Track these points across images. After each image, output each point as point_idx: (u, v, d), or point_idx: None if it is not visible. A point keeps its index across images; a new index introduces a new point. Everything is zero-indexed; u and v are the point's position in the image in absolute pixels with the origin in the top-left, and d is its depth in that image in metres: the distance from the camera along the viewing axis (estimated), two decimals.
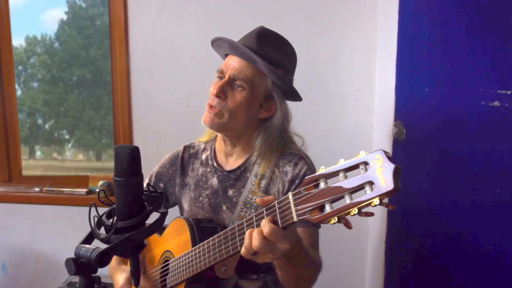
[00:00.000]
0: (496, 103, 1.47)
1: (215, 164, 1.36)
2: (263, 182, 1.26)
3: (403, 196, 1.61)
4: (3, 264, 2.42)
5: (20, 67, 2.47)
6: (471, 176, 1.53)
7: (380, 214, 1.83)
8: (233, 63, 1.25)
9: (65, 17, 2.41)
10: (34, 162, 2.55)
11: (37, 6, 2.44)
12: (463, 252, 1.56)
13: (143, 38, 2.14)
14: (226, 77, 1.24)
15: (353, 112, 2.01)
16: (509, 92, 1.46)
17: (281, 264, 1.05)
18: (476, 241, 1.54)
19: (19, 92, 2.47)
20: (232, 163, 1.34)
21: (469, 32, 1.49)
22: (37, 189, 2.35)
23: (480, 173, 1.51)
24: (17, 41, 2.40)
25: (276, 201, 0.89)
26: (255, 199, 1.25)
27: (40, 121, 2.54)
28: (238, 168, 1.31)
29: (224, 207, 1.31)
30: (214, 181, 1.34)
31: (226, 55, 1.31)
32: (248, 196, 1.26)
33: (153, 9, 2.11)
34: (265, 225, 0.88)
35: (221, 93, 1.23)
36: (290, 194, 0.85)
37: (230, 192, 1.31)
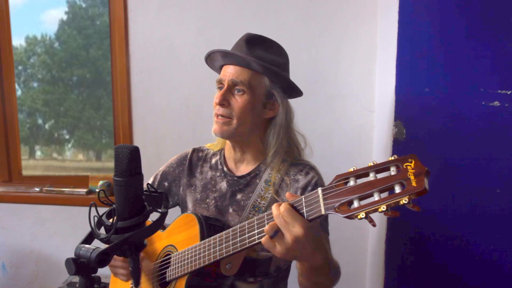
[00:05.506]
0: (496, 103, 1.47)
1: (225, 169, 1.38)
2: (273, 189, 1.29)
3: None
4: (3, 264, 2.42)
5: (20, 67, 2.47)
6: (471, 176, 1.53)
7: (380, 214, 1.83)
8: (229, 70, 1.29)
9: (65, 17, 2.41)
10: (34, 162, 2.55)
11: (37, 6, 2.44)
12: (463, 253, 1.56)
13: (143, 38, 2.14)
14: (225, 85, 1.27)
15: (353, 112, 2.01)
16: (509, 92, 1.45)
17: (305, 270, 1.07)
18: (475, 242, 1.54)
19: (19, 92, 2.47)
20: (242, 169, 1.37)
21: (469, 32, 1.49)
22: (37, 189, 2.35)
23: (480, 173, 1.51)
24: (17, 41, 2.40)
25: (303, 196, 0.93)
26: (264, 203, 1.28)
27: (40, 121, 2.54)
28: (249, 174, 1.34)
29: (230, 210, 1.32)
30: (223, 185, 1.36)
31: (221, 68, 1.34)
32: (257, 200, 1.29)
33: (153, 9, 2.11)
34: (283, 205, 0.93)
35: (224, 101, 1.26)
36: (319, 189, 0.89)
37: (239, 196, 1.33)
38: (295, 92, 1.33)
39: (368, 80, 1.98)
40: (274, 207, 0.94)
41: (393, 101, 1.64)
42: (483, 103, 1.48)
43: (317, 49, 2.00)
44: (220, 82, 1.30)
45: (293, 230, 0.91)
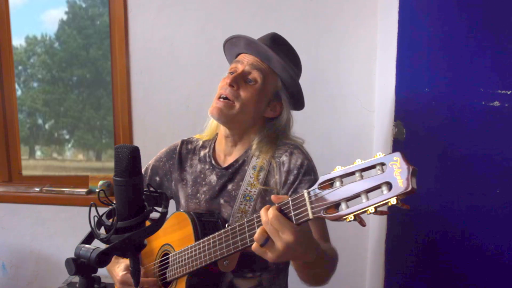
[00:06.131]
0: (496, 103, 1.47)
1: (213, 161, 1.37)
2: (261, 174, 1.27)
3: None
4: (3, 264, 2.42)
5: (20, 67, 2.47)
6: (471, 176, 1.53)
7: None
8: (248, 58, 1.29)
9: (65, 17, 2.41)
10: (34, 162, 2.55)
11: (37, 6, 2.44)
12: (463, 252, 1.56)
13: (143, 38, 2.14)
14: (240, 70, 1.27)
15: (353, 112, 2.01)
16: (509, 92, 1.45)
17: (299, 266, 1.07)
18: (476, 241, 1.54)
19: (19, 92, 2.47)
20: (229, 160, 1.36)
21: (469, 32, 1.49)
22: (37, 189, 2.35)
23: (480, 173, 1.51)
24: (17, 41, 2.40)
25: (290, 198, 0.91)
26: (254, 191, 1.26)
27: (40, 121, 2.54)
28: (236, 161, 1.33)
29: (222, 201, 1.32)
30: (213, 178, 1.35)
31: (236, 56, 1.34)
32: (247, 189, 1.27)
33: (153, 9, 2.11)
34: (270, 211, 0.90)
35: (234, 83, 1.25)
36: (305, 192, 0.87)
37: (229, 186, 1.32)
38: (298, 103, 1.34)
39: (368, 80, 1.98)
40: (262, 212, 0.92)
41: (393, 101, 1.64)
42: (483, 103, 1.48)
43: (317, 49, 2.00)
44: (236, 65, 1.29)
45: (283, 236, 0.89)
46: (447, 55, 1.53)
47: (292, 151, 1.28)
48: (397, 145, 1.63)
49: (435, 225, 1.61)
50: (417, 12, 1.56)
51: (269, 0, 2.02)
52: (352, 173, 0.80)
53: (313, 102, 2.01)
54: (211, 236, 1.12)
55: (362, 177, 0.78)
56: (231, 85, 1.24)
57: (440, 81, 1.54)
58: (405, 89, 1.61)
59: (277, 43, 1.29)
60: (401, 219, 1.68)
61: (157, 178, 1.46)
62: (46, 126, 2.56)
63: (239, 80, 1.25)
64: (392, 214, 1.71)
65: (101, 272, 0.87)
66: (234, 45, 1.34)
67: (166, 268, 1.28)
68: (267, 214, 0.90)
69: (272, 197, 0.95)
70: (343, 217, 0.79)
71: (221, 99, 1.25)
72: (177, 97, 2.14)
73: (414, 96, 1.59)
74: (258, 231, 0.92)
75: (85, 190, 2.30)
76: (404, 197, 0.72)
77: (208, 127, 1.42)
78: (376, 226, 1.90)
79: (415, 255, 1.66)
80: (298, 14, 2.00)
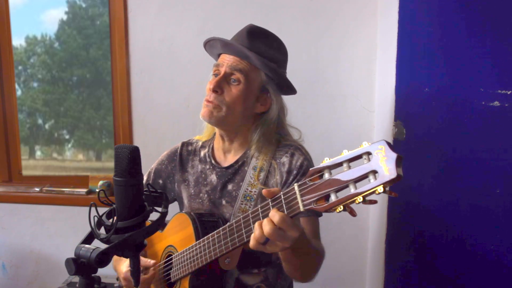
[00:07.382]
0: (496, 103, 1.47)
1: (213, 161, 1.38)
2: (262, 175, 1.28)
3: (403, 196, 1.61)
4: (3, 264, 2.42)
5: (20, 67, 2.47)
6: (471, 176, 1.53)
7: (380, 214, 1.83)
8: (228, 58, 1.28)
9: (65, 17, 2.41)
10: (34, 162, 2.55)
11: (37, 6, 2.44)
12: (463, 252, 1.56)
13: (143, 38, 2.14)
14: (222, 73, 1.27)
15: (353, 112, 2.01)
16: (509, 92, 1.45)
17: (287, 256, 1.07)
18: (476, 241, 1.54)
19: (19, 92, 2.47)
20: (229, 159, 1.37)
21: (469, 32, 1.49)
22: (37, 189, 2.35)
23: (480, 173, 1.51)
24: (17, 41, 2.40)
25: (281, 192, 0.92)
26: (255, 191, 1.27)
27: (40, 121, 2.54)
28: (236, 162, 1.34)
29: (223, 202, 1.33)
30: (213, 177, 1.36)
31: (219, 56, 1.34)
32: (247, 189, 1.28)
33: (153, 9, 2.11)
34: (275, 214, 0.90)
35: (218, 88, 1.25)
36: (295, 185, 0.88)
37: (229, 186, 1.33)
38: (289, 89, 1.33)
39: (368, 80, 1.98)
40: (265, 222, 0.92)
41: (393, 101, 1.64)
42: (483, 103, 1.48)
43: (317, 49, 2.00)
44: (217, 68, 1.29)
45: (289, 234, 0.91)
46: (447, 55, 1.53)
47: (293, 152, 1.29)
48: (397, 145, 1.63)
49: (435, 225, 1.61)
50: (417, 12, 1.56)
51: (269, 0, 2.02)
52: (340, 164, 0.81)
53: (313, 102, 2.03)
54: (210, 234, 1.13)
55: (349, 167, 0.79)
56: (214, 90, 1.25)
57: (440, 81, 1.54)
58: (405, 89, 1.61)
59: (254, 35, 1.27)
60: (401, 219, 1.68)
61: (160, 181, 1.47)
62: (46, 126, 2.56)
63: (222, 84, 1.26)
64: (392, 215, 1.71)
65: (101, 272, 0.87)
66: (213, 47, 1.34)
67: (171, 269, 1.29)
68: (274, 217, 0.90)
69: (264, 191, 0.95)
70: (333, 208, 0.81)
71: (209, 102, 1.26)
72: (177, 97, 2.14)
73: (414, 96, 1.59)
74: (258, 231, 0.92)
75: (85, 190, 2.30)
76: (390, 185, 0.73)
77: (206, 127, 1.44)
78: (376, 226, 1.90)
79: (415, 255, 1.66)
80: (298, 14, 2.00)
